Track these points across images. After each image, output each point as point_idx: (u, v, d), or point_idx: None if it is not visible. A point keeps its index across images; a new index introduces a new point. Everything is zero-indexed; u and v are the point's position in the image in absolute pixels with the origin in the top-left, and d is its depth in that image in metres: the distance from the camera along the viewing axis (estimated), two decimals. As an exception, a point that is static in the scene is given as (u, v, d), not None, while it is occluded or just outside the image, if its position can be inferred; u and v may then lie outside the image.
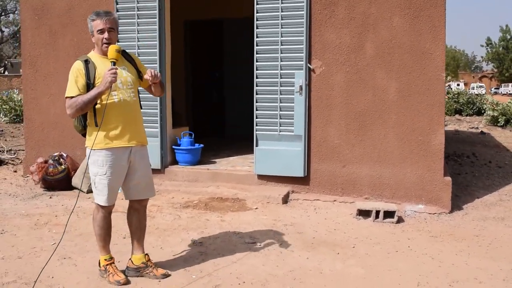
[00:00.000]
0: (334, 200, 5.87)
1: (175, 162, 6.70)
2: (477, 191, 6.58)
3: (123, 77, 3.61)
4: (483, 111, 18.12)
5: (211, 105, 10.25)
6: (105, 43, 3.54)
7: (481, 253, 4.37)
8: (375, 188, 5.78)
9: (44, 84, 6.90)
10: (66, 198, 6.10)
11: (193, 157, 6.62)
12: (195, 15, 9.56)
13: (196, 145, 6.73)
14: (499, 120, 13.80)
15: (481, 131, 13.34)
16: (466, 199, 6.15)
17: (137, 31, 6.34)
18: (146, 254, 3.86)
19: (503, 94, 47.93)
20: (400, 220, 5.25)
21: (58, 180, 6.42)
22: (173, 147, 6.65)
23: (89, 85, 3.50)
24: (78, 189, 6.38)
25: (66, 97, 3.52)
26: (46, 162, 6.48)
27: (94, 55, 3.64)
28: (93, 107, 3.52)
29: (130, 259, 3.86)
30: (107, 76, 3.41)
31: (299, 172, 5.92)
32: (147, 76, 3.66)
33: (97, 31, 3.54)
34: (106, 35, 3.53)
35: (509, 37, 58.04)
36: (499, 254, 4.33)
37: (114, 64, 3.49)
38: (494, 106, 14.45)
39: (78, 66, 3.54)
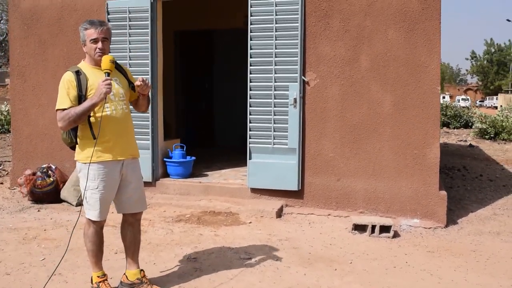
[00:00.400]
0: (329, 214, 5.80)
1: (166, 174, 6.59)
2: (470, 205, 6.55)
3: (115, 89, 3.53)
4: (470, 124, 18.24)
5: (199, 115, 10.15)
6: (99, 53, 3.44)
7: (479, 269, 4.31)
8: (370, 202, 5.72)
9: (33, 95, 6.77)
10: (55, 212, 5.95)
11: (185, 170, 6.52)
12: (185, 25, 9.49)
13: (188, 158, 6.63)
14: (489, 132, 13.88)
15: (470, 144, 13.40)
16: (460, 213, 6.11)
17: (129, 42, 6.25)
18: (142, 270, 3.76)
19: (488, 107, 48.46)
20: (396, 235, 5.19)
21: (47, 192, 6.27)
22: (165, 159, 6.54)
23: (81, 97, 3.39)
24: (67, 202, 6.26)
25: (57, 110, 3.40)
26: (34, 174, 6.33)
27: (85, 66, 3.53)
28: (87, 119, 3.42)
29: (124, 274, 3.76)
30: (102, 87, 3.31)
31: (293, 186, 5.84)
32: (138, 82, 3.55)
33: (90, 40, 3.44)
34: (100, 45, 3.44)
35: (493, 50, 58.87)
36: (497, 270, 4.28)
37: (108, 75, 3.39)
38: (483, 118, 14.54)
39: (69, 78, 3.42)
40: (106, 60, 3.40)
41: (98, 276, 3.62)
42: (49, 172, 6.40)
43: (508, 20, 51.63)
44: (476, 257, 4.64)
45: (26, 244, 4.75)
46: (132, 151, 3.64)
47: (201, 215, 5.71)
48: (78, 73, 3.45)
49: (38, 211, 5.98)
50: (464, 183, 8.02)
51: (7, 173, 8.07)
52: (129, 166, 3.61)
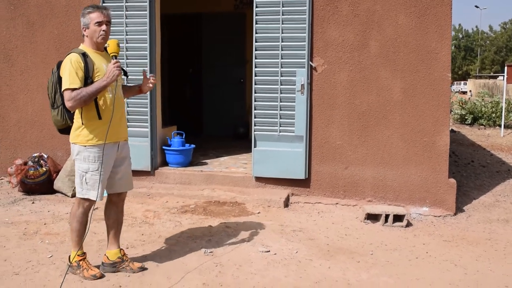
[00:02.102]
0: (337, 203, 5.69)
1: (165, 163, 6.35)
2: (470, 192, 6.55)
3: None
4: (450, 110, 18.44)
5: (186, 102, 9.86)
6: (102, 35, 3.52)
7: (500, 258, 4.27)
8: (378, 191, 5.63)
9: (21, 80, 6.39)
10: (51, 203, 5.65)
11: (185, 158, 6.29)
12: (172, 8, 9.16)
13: (187, 146, 6.40)
14: (467, 118, 14.03)
15: (451, 129, 13.53)
16: (463, 200, 6.09)
17: (126, 24, 5.94)
18: (121, 249, 3.88)
19: (456, 92, 49.29)
20: (408, 223, 5.12)
21: (39, 183, 5.95)
22: (164, 147, 6.29)
23: (87, 79, 3.45)
24: (62, 193, 5.97)
25: (67, 89, 3.41)
26: (25, 164, 5.99)
27: (88, 50, 3.56)
28: (94, 101, 3.50)
29: (105, 254, 3.85)
30: (114, 69, 3.41)
31: (300, 174, 5.70)
32: (152, 80, 3.80)
33: (95, 23, 3.49)
34: (104, 27, 3.52)
35: (461, 36, 59.83)
36: (519, 259, 4.26)
37: (116, 57, 3.50)
38: (463, 104, 14.69)
39: (76, 59, 3.44)
40: (113, 44, 3.51)
41: (78, 255, 3.68)
42: (41, 161, 6.07)
43: (476, 6, 52.51)
44: (492, 245, 4.61)
45: (29, 240, 4.47)
46: (125, 134, 3.81)
47: (206, 206, 5.52)
48: (84, 55, 3.49)
49: (33, 203, 5.67)
50: (458, 169, 8.03)
51: (-10, 162, 7.65)
52: (123, 148, 3.77)
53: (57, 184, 5.98)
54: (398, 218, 5.11)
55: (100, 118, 3.50)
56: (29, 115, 6.42)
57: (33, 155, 6.14)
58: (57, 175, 6.07)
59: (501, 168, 8.25)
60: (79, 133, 3.53)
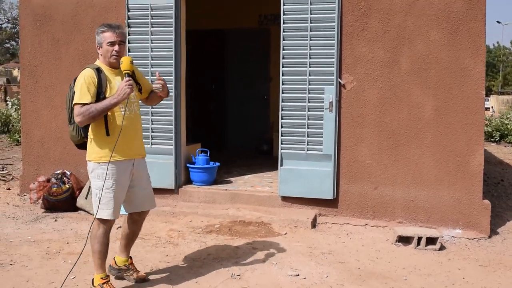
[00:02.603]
0: (366, 224, 5.50)
1: (189, 181, 6.24)
2: (504, 213, 6.30)
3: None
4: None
5: (209, 118, 9.78)
6: (115, 56, 3.54)
7: (542, 286, 4.06)
8: (409, 212, 5.44)
9: (45, 96, 6.37)
10: (73, 221, 5.57)
11: (210, 176, 6.17)
12: (196, 25, 9.13)
13: (212, 163, 6.28)
14: (494, 135, 13.72)
15: (477, 147, 13.20)
16: (496, 222, 5.86)
17: (151, 40, 5.89)
18: (130, 257, 3.96)
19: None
20: (441, 247, 4.92)
21: (62, 200, 5.89)
22: (188, 165, 6.18)
23: (100, 94, 3.47)
24: (84, 211, 5.88)
25: (76, 104, 3.43)
26: (48, 180, 5.94)
27: (102, 66, 3.61)
28: (104, 117, 3.49)
29: (114, 258, 3.95)
30: (125, 87, 3.40)
31: (328, 194, 5.54)
32: (158, 84, 3.74)
33: (107, 43, 3.53)
34: (116, 47, 3.54)
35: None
36: None
37: (129, 75, 3.49)
38: (488, 122, 14.38)
39: (89, 74, 3.48)
40: (126, 61, 3.49)
41: (102, 278, 3.63)
42: (64, 178, 6.01)
43: (498, 22, 51.98)
44: (532, 271, 4.39)
45: (51, 260, 4.37)
46: (141, 151, 3.77)
47: (231, 226, 5.38)
48: (99, 70, 3.53)
49: (55, 220, 5.59)
50: (488, 188, 7.78)
51: (12, 178, 7.64)
52: (139, 165, 3.72)
53: (80, 201, 5.91)
54: (431, 240, 4.91)
55: (108, 134, 3.49)
56: (53, 132, 6.38)
57: (56, 171, 6.08)
58: (80, 192, 6.00)
59: (533, 188, 7.97)
60: (92, 150, 3.55)
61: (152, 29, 5.88)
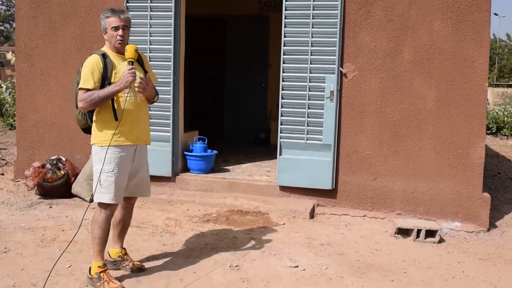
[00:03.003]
0: (364, 215, 5.46)
1: (186, 169, 6.16)
2: (501, 206, 6.28)
3: (138, 77, 3.56)
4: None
5: (206, 106, 9.66)
6: (119, 40, 3.52)
7: (543, 281, 4.03)
8: (408, 203, 5.40)
9: (41, 80, 6.24)
10: (69, 208, 5.49)
11: (207, 164, 6.09)
12: (195, 10, 8.99)
13: (209, 151, 6.21)
14: (491, 127, 13.71)
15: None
16: (494, 215, 5.82)
17: (150, 25, 5.77)
18: (124, 248, 3.90)
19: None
20: (440, 239, 4.88)
21: (57, 187, 5.79)
22: (185, 153, 6.10)
23: (105, 79, 3.47)
24: (79, 197, 5.80)
25: (80, 88, 3.44)
26: (43, 166, 5.83)
27: (109, 51, 3.59)
28: (111, 102, 3.48)
29: (107, 251, 3.85)
30: (128, 76, 3.41)
31: (327, 185, 5.48)
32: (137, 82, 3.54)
33: (112, 28, 3.51)
34: (120, 32, 3.51)
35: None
36: None
37: (132, 63, 3.49)
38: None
39: (95, 60, 3.48)
40: (131, 49, 3.47)
41: (99, 266, 3.57)
42: (59, 164, 5.92)
43: (496, 14, 51.87)
44: (532, 266, 4.36)
45: (46, 248, 4.30)
46: (145, 138, 3.74)
47: (229, 215, 5.32)
48: (104, 56, 3.52)
49: (50, 207, 5.51)
50: (485, 181, 7.70)
51: (6, 163, 7.53)
52: (141, 151, 3.71)
53: (75, 188, 5.82)
54: (430, 233, 4.88)
55: (116, 119, 3.48)
56: (48, 116, 6.27)
57: (51, 157, 5.98)
58: (75, 178, 5.91)
59: (530, 181, 7.96)
60: (97, 134, 3.54)
61: (151, 13, 5.76)
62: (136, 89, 3.54)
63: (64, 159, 6.00)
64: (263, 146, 8.66)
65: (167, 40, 5.74)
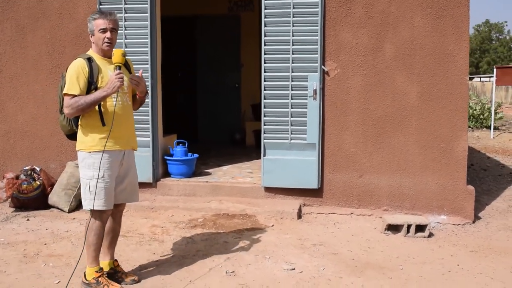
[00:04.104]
0: (351, 213, 5.44)
1: (167, 174, 6.01)
2: (480, 197, 6.37)
3: (125, 82, 3.49)
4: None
5: (178, 108, 9.48)
6: (107, 43, 3.43)
7: (535, 270, 4.09)
8: (394, 199, 5.41)
9: (10, 87, 5.97)
10: (47, 220, 5.26)
11: (189, 168, 5.95)
12: (165, 10, 8.81)
13: (190, 155, 6.07)
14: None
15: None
16: (476, 206, 5.85)
17: (125, 27, 5.58)
18: (115, 260, 3.77)
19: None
20: (430, 234, 4.90)
21: (33, 198, 5.55)
22: (165, 157, 5.95)
23: (91, 84, 3.38)
24: (57, 208, 5.57)
25: (66, 95, 3.35)
26: (17, 177, 5.57)
27: (95, 55, 3.50)
28: (98, 107, 3.40)
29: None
30: (115, 81, 3.33)
31: (313, 184, 5.43)
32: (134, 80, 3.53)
33: (99, 30, 3.42)
34: (108, 34, 3.43)
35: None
36: (555, 271, 4.07)
37: (120, 68, 3.41)
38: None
39: (80, 64, 3.38)
40: (118, 54, 3.41)
41: (96, 271, 3.52)
42: (34, 174, 5.66)
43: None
44: (522, 255, 4.42)
45: (30, 263, 4.08)
46: (133, 143, 3.69)
47: (216, 219, 5.20)
48: (90, 60, 3.42)
49: (28, 220, 5.26)
50: (461, 173, 7.88)
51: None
52: (129, 157, 3.64)
53: (53, 198, 5.58)
54: (419, 228, 4.89)
55: (103, 124, 3.41)
56: (19, 125, 5.99)
57: (25, 168, 5.72)
58: (51, 189, 5.67)
59: (503, 171, 8.15)
60: (83, 139, 3.45)
61: (125, 15, 5.58)
62: (132, 83, 3.51)
63: (38, 169, 5.74)
64: (239, 147, 8.56)
65: (144, 43, 5.58)
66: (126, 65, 3.60)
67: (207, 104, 9.27)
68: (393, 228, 4.93)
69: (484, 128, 14.53)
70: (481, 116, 14.41)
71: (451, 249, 4.56)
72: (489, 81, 29.53)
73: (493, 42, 60.81)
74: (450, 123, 5.25)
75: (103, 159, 3.39)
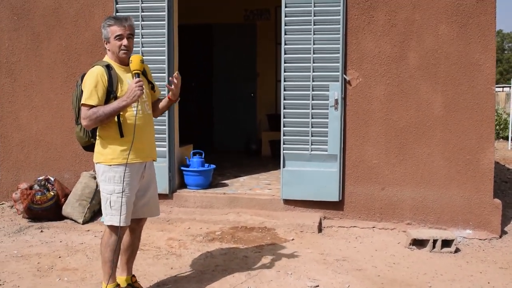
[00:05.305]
0: (373, 227, 5.27)
1: (183, 185, 5.87)
2: (505, 211, 6.15)
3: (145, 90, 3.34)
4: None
5: (193, 117, 9.35)
6: (124, 51, 3.27)
7: None
8: (417, 213, 5.23)
9: (25, 96, 5.88)
10: (61, 232, 5.14)
11: (205, 179, 5.81)
12: (181, 19, 8.74)
13: (207, 166, 5.93)
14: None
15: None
16: (502, 220, 5.72)
17: (142, 35, 5.49)
18: (133, 275, 3.63)
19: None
20: (456, 249, 4.72)
21: (47, 209, 5.44)
22: (182, 168, 5.82)
23: (110, 93, 3.20)
24: (71, 219, 5.45)
25: (83, 105, 3.17)
26: (31, 188, 5.47)
27: (112, 63, 3.32)
28: (117, 118, 3.23)
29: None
30: (135, 89, 3.15)
31: (334, 196, 5.28)
32: (173, 84, 3.40)
33: (115, 37, 3.25)
34: (125, 41, 3.26)
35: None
36: None
37: (138, 75, 3.24)
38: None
39: (99, 71, 3.19)
40: (136, 60, 3.23)
41: None
42: (48, 185, 5.56)
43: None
44: (555, 273, 4.23)
45: (44, 278, 3.95)
46: (153, 154, 3.52)
47: (234, 232, 5.06)
48: (109, 67, 3.25)
49: (41, 231, 5.15)
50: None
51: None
52: (150, 169, 3.49)
53: (66, 209, 5.47)
54: (445, 243, 4.71)
55: (122, 136, 3.24)
56: (34, 135, 5.90)
57: (39, 178, 5.62)
58: (65, 199, 5.55)
59: (525, 184, 7.94)
60: (103, 151, 3.28)
61: (142, 22, 5.49)
62: (172, 87, 3.39)
63: (52, 179, 5.64)
64: (255, 157, 8.42)
65: (161, 51, 5.47)
66: (143, 72, 3.42)
67: (222, 114, 9.15)
68: (418, 243, 4.75)
69: (501, 139, 14.29)
70: (497, 127, 14.17)
71: (479, 266, 4.38)
72: (502, 91, 29.25)
73: (506, 52, 60.41)
74: (476, 134, 5.08)
75: (123, 172, 3.23)
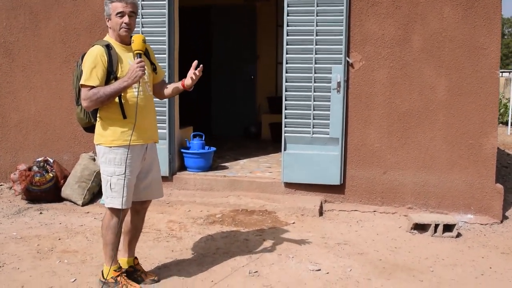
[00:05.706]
0: (374, 211, 5.25)
1: (183, 167, 5.83)
2: (505, 196, 6.15)
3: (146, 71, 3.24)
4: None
5: (192, 100, 9.28)
6: (125, 28, 3.17)
7: None
8: (419, 197, 5.21)
9: (23, 76, 5.80)
10: (61, 214, 5.11)
11: (206, 162, 5.77)
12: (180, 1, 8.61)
13: (207, 148, 5.89)
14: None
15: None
16: (502, 205, 5.71)
17: (142, 15, 5.40)
18: (135, 257, 3.59)
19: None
20: (457, 234, 4.71)
21: (46, 190, 5.40)
22: (182, 150, 5.77)
23: (111, 73, 3.13)
24: (70, 201, 5.42)
25: (83, 86, 3.10)
26: (30, 169, 5.42)
27: (112, 42, 3.23)
28: (118, 99, 3.15)
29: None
30: (137, 70, 3.06)
31: (335, 180, 5.25)
32: (192, 75, 3.30)
33: (116, 14, 3.15)
34: (126, 19, 3.16)
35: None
36: None
37: (140, 56, 3.13)
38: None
39: (98, 51, 3.11)
40: (138, 40, 3.14)
41: (115, 270, 3.33)
42: (47, 166, 5.51)
43: None
44: (557, 258, 4.22)
45: (44, 260, 3.92)
46: (155, 136, 3.45)
47: (234, 215, 5.03)
48: (109, 47, 3.16)
49: (40, 213, 5.11)
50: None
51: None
52: (151, 150, 3.43)
53: (66, 191, 5.43)
54: (447, 227, 4.70)
55: (125, 117, 3.16)
56: (32, 115, 5.84)
57: (37, 159, 5.57)
58: (64, 181, 5.51)
59: (525, 169, 7.92)
60: (103, 133, 3.22)
61: (143, 2, 5.39)
62: (195, 74, 3.28)
63: (51, 160, 5.59)
64: (255, 141, 8.38)
65: (161, 31, 5.39)
66: (146, 53, 3.33)
67: (221, 96, 9.06)
68: (420, 227, 4.74)
69: (500, 124, 14.24)
70: (497, 112, 14.12)
71: (481, 251, 4.37)
72: (501, 76, 29.16)
73: (505, 37, 60.19)
74: (479, 118, 5.04)
75: (124, 154, 3.17)
